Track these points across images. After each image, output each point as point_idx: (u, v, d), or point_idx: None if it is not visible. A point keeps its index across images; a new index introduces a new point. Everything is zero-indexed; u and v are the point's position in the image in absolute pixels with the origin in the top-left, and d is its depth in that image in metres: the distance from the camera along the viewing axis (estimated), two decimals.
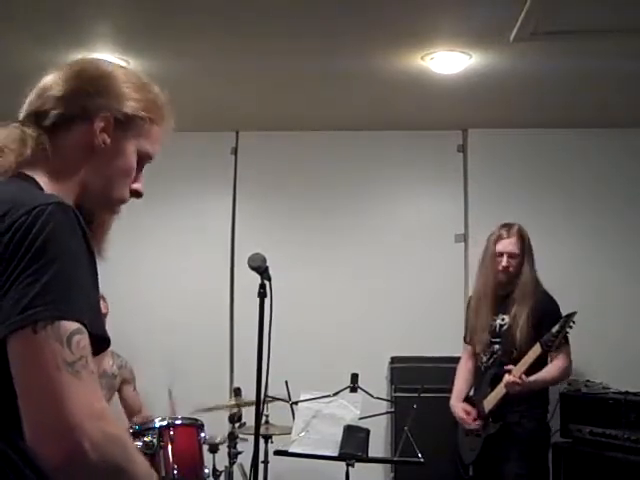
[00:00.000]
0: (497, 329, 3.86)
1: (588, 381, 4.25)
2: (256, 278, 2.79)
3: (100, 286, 1.23)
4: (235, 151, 5.16)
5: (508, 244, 3.92)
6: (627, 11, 3.33)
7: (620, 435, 3.85)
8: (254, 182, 5.13)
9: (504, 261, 3.88)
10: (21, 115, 1.40)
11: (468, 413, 3.82)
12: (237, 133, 5.18)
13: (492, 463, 3.75)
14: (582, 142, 4.95)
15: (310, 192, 5.09)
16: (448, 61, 3.90)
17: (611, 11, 3.33)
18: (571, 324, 3.65)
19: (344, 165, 5.12)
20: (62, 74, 1.38)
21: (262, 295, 2.78)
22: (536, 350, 3.64)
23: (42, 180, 1.31)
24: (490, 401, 3.73)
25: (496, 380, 3.74)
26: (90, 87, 1.37)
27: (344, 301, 4.90)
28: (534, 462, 3.76)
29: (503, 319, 3.87)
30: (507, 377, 3.64)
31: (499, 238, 3.95)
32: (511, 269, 3.89)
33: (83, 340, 1.13)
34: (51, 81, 1.38)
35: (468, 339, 4.07)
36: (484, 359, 3.91)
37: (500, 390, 3.69)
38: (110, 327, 1.30)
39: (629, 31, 3.49)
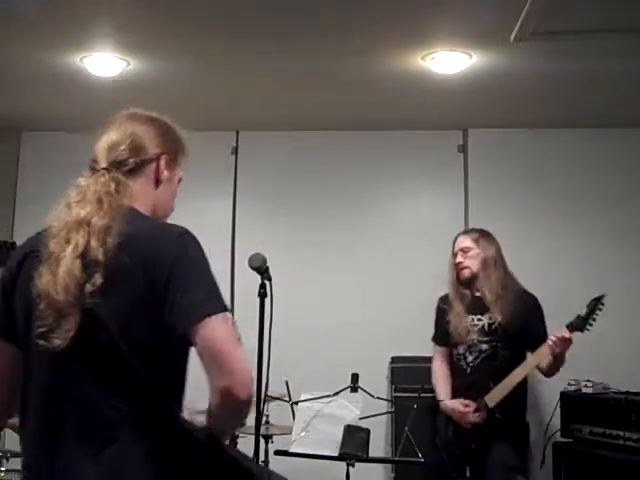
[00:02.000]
0: (485, 328, 3.84)
1: (588, 381, 4.24)
2: (256, 278, 2.79)
3: None
4: (235, 151, 5.16)
5: (462, 241, 3.99)
6: (627, 11, 3.33)
7: (621, 435, 3.85)
8: (254, 182, 5.13)
9: (458, 257, 3.94)
10: (100, 160, 1.82)
11: (467, 406, 3.79)
12: (237, 133, 5.19)
13: (487, 455, 3.73)
14: (582, 142, 4.95)
15: (310, 192, 5.09)
16: (448, 61, 3.90)
17: (611, 11, 3.33)
18: (600, 306, 3.71)
19: (344, 165, 5.12)
20: (128, 130, 1.85)
21: (262, 295, 2.77)
22: (565, 334, 3.65)
23: (137, 207, 1.79)
24: (496, 394, 3.71)
25: (497, 374, 3.74)
26: (153, 139, 1.86)
27: (344, 301, 4.90)
28: (524, 456, 3.86)
29: (481, 319, 3.87)
30: (554, 337, 3.64)
31: (456, 239, 4.05)
32: (466, 264, 3.90)
33: (235, 324, 1.66)
34: (122, 137, 1.84)
35: (442, 341, 4.02)
36: (469, 359, 3.86)
37: (509, 382, 3.69)
38: None
39: (629, 31, 3.49)
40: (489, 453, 3.71)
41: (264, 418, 3.70)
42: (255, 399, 1.74)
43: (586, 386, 4.23)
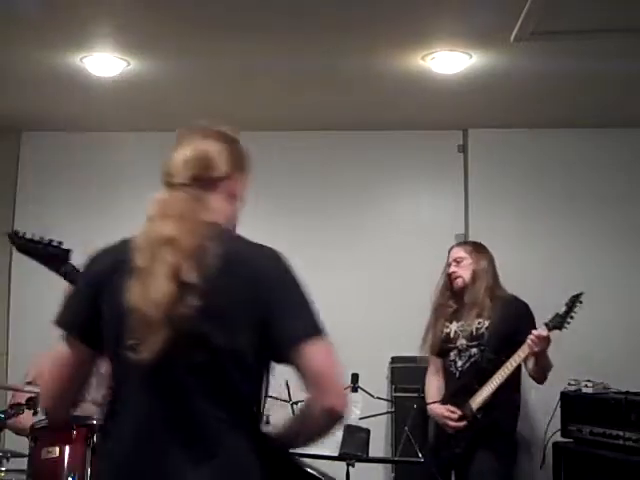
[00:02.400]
0: (474, 332, 3.86)
1: (589, 381, 4.24)
2: None
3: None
4: None
5: (456, 251, 4.08)
6: (627, 11, 3.33)
7: (621, 435, 3.85)
8: (254, 182, 5.10)
9: (452, 267, 4.02)
10: (176, 175, 1.84)
11: (453, 412, 3.78)
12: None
13: (471, 462, 3.72)
14: (582, 142, 4.95)
15: (310, 192, 5.09)
16: (448, 61, 3.90)
17: (611, 11, 3.33)
18: (578, 304, 3.72)
19: (344, 165, 5.12)
20: (202, 147, 1.89)
21: None
22: (542, 332, 3.65)
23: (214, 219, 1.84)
24: (483, 396, 3.70)
25: (483, 377, 3.73)
26: (227, 156, 1.90)
27: (344, 301, 4.89)
28: (508, 464, 3.81)
29: (470, 325, 3.87)
30: (532, 336, 3.65)
31: (450, 249, 4.13)
32: (459, 273, 3.97)
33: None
34: (197, 153, 1.87)
35: (437, 351, 4.00)
36: (459, 363, 3.88)
37: (492, 383, 3.69)
38: None
39: (629, 31, 3.49)
40: (473, 460, 3.70)
41: (264, 418, 3.69)
42: None
43: (586, 386, 4.22)
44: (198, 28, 3.61)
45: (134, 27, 3.63)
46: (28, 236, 2.66)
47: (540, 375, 3.86)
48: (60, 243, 2.63)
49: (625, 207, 4.90)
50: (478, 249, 4.07)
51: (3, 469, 3.46)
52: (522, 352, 3.70)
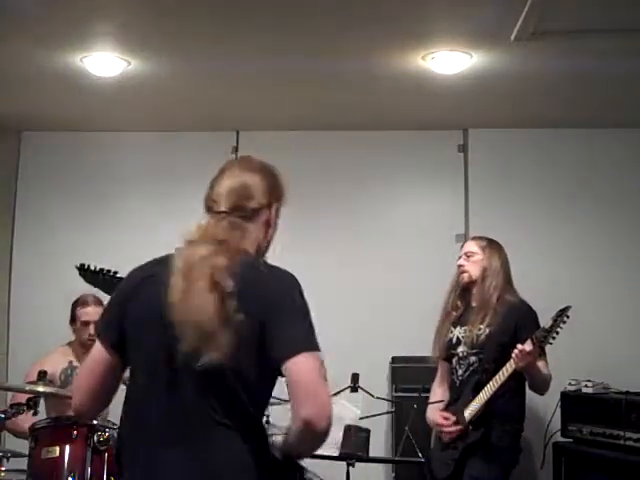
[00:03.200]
0: (475, 340, 3.71)
1: (589, 381, 4.24)
2: None
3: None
4: (236, 151, 5.16)
5: (468, 245, 3.91)
6: (627, 11, 3.33)
7: (621, 435, 3.84)
8: None
9: (461, 260, 3.85)
10: (220, 203, 2.01)
11: (446, 419, 3.68)
12: (237, 133, 5.18)
13: (464, 469, 3.61)
14: (582, 142, 4.95)
15: (310, 192, 5.06)
16: (449, 61, 3.90)
17: (611, 11, 3.33)
18: (565, 319, 3.48)
19: (344, 165, 5.12)
20: (245, 179, 2.05)
21: None
22: (526, 347, 3.45)
23: (248, 248, 2.00)
24: (472, 408, 3.60)
25: (479, 388, 3.61)
26: (267, 188, 2.07)
27: (344, 301, 4.90)
28: (502, 474, 3.65)
29: (471, 330, 3.73)
30: (517, 350, 3.46)
31: (464, 242, 4.02)
32: (466, 268, 3.81)
33: (323, 363, 1.87)
34: (240, 185, 2.04)
35: (443, 355, 3.87)
36: (460, 372, 3.76)
37: (483, 396, 3.57)
38: None
39: (629, 31, 3.49)
40: (466, 468, 3.61)
41: (264, 418, 3.69)
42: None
43: (586, 386, 4.22)
44: (198, 28, 3.61)
45: (134, 27, 3.62)
46: (92, 268, 2.98)
47: (535, 387, 3.71)
48: (115, 273, 2.93)
49: (625, 207, 4.89)
50: (492, 246, 3.85)
51: (3, 469, 3.46)
52: (509, 366, 3.50)
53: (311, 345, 1.87)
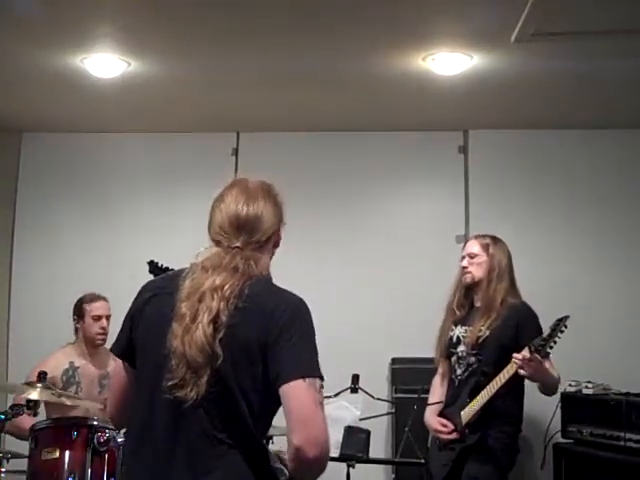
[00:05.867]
0: (475, 340, 3.67)
1: (589, 382, 4.24)
2: None
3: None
4: (236, 152, 5.16)
5: (471, 245, 3.85)
6: (627, 11, 3.33)
7: (621, 436, 3.84)
8: None
9: (464, 262, 3.81)
10: (230, 236, 2.02)
11: (444, 426, 3.66)
12: (238, 134, 5.18)
13: (461, 472, 3.59)
14: (582, 142, 4.95)
15: (310, 193, 5.08)
16: (449, 62, 3.90)
17: (611, 12, 3.33)
18: (563, 328, 3.43)
19: (345, 166, 5.12)
20: (254, 209, 2.05)
21: None
22: (525, 354, 3.43)
23: (261, 272, 1.99)
24: (469, 411, 3.58)
25: (477, 390, 3.59)
26: (274, 214, 2.09)
27: (344, 302, 4.90)
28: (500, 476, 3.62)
29: (472, 331, 3.70)
30: (517, 356, 3.43)
31: (467, 241, 3.95)
32: (469, 269, 3.77)
33: (321, 390, 1.86)
34: (251, 218, 2.04)
35: (444, 354, 3.85)
36: (458, 372, 3.74)
37: (480, 399, 3.55)
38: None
39: (629, 31, 3.49)
40: (463, 470, 3.59)
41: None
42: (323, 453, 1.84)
43: (587, 387, 4.21)
44: (198, 29, 3.61)
45: (135, 28, 3.62)
46: (159, 265, 3.10)
47: (546, 392, 3.69)
48: None
49: (625, 207, 4.89)
50: (496, 244, 3.79)
51: (3, 470, 3.46)
52: (507, 372, 3.48)
53: (311, 371, 1.86)
